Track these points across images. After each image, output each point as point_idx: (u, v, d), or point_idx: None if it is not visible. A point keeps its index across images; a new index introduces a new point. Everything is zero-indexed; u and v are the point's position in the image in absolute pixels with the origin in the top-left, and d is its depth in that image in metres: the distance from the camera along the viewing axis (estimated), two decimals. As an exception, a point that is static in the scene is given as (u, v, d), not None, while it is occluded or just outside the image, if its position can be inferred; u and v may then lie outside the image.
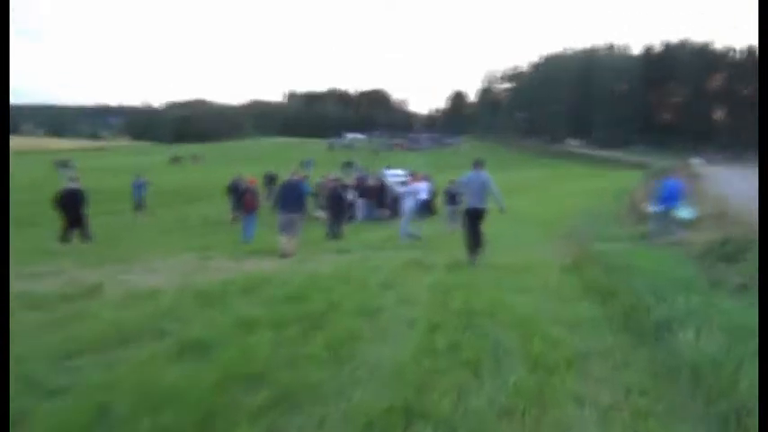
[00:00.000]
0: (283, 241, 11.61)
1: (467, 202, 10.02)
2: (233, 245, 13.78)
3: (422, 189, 21.34)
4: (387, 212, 20.94)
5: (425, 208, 21.45)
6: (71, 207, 14.20)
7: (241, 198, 20.37)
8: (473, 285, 6.93)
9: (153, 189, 25.98)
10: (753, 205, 17.08)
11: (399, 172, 25.74)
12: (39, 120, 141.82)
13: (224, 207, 21.51)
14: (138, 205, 22.43)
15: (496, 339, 4.72)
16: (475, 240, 9.80)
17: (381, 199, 20.76)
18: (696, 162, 58.82)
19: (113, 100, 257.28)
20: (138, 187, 22.63)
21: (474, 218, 9.83)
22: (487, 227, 9.78)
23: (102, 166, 48.85)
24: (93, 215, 15.40)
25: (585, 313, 5.85)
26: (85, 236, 14.34)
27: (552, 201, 29.43)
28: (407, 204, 15.13)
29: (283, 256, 11.15)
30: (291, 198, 11.94)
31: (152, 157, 66.34)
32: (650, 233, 13.95)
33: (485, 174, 9.82)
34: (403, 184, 19.21)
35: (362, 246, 12.70)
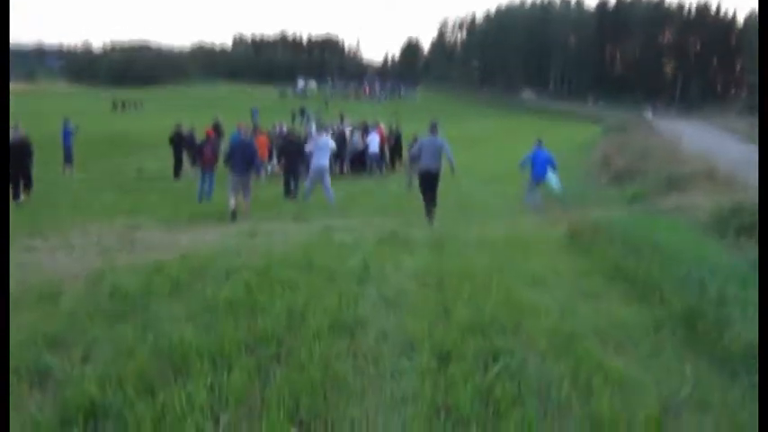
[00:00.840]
0: (232, 202, 10.79)
1: (422, 163, 10.46)
2: (171, 207, 11.97)
3: (372, 141, 19.54)
4: (345, 168, 19.33)
5: (377, 161, 19.60)
6: (17, 160, 12.32)
7: (182, 149, 18.45)
8: (471, 274, 5.44)
9: (88, 138, 23.51)
10: (735, 162, 16.23)
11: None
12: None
13: (166, 160, 19.35)
14: (68, 156, 20.01)
15: (539, 380, 3.26)
16: (429, 201, 10.46)
17: (340, 152, 18.94)
18: (648, 115, 59.06)
19: (52, 39, 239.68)
20: (67, 135, 20.08)
21: (429, 179, 10.38)
22: (458, 186, 9.36)
23: (38, 111, 44.83)
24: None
25: (630, 320, 4.45)
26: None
27: (516, 154, 28.20)
28: (317, 162, 12.34)
29: (233, 216, 10.50)
30: (243, 157, 11.02)
31: (91, 102, 62.02)
32: (526, 201, 13.79)
33: (440, 139, 10.40)
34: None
35: (322, 211, 11.09)
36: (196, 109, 49.96)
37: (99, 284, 4.97)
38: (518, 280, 5.37)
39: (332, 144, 13.21)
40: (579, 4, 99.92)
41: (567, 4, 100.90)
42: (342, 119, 24.00)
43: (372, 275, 5.30)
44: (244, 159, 10.93)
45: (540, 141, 13.80)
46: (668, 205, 11.03)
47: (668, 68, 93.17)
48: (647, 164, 17.58)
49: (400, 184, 16.17)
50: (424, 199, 10.55)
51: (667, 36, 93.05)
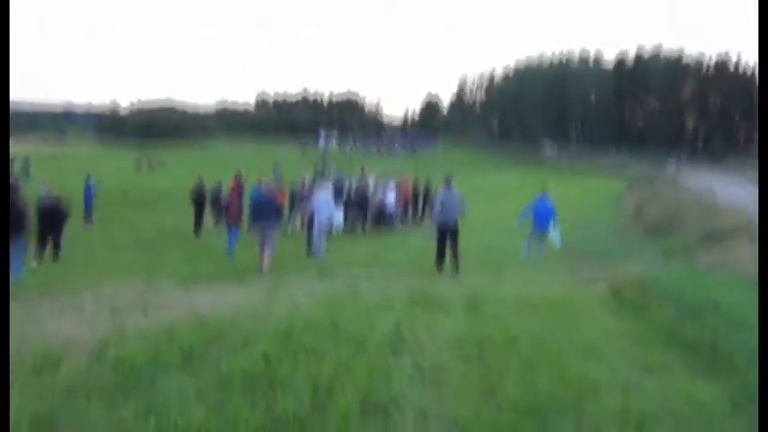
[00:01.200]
0: (260, 255, 11.10)
1: (441, 218, 10.71)
2: (190, 265, 11.60)
3: (388, 193, 19.14)
4: (369, 223, 18.85)
5: (395, 214, 19.10)
6: (50, 223, 12.60)
7: (205, 206, 18.24)
8: (514, 341, 4.90)
9: (110, 194, 23.61)
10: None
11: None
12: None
13: (187, 216, 19.07)
14: (88, 211, 19.98)
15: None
16: (443, 256, 10.68)
17: (364, 208, 18.52)
18: (672, 168, 58.48)
19: (79, 97, 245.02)
20: (89, 190, 20.15)
21: (449, 233, 10.64)
22: (482, 240, 8.79)
23: (64, 169, 45.30)
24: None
25: (704, 396, 3.87)
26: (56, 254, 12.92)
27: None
28: (319, 218, 12.94)
29: (261, 271, 10.72)
30: (268, 209, 11.37)
31: (116, 161, 62.81)
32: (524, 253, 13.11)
33: (457, 192, 10.90)
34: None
35: (346, 266, 10.63)
36: (219, 165, 50.32)
37: (103, 354, 4.50)
38: (567, 349, 4.80)
39: (330, 206, 13.54)
40: (597, 62, 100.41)
41: (585, 62, 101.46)
42: (362, 170, 23.62)
43: (405, 343, 4.77)
44: (268, 211, 11.20)
45: (543, 192, 13.32)
46: (711, 260, 10.39)
47: (689, 123, 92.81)
48: (681, 217, 16.96)
49: (424, 238, 15.70)
50: (439, 253, 10.73)
51: (687, 92, 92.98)
